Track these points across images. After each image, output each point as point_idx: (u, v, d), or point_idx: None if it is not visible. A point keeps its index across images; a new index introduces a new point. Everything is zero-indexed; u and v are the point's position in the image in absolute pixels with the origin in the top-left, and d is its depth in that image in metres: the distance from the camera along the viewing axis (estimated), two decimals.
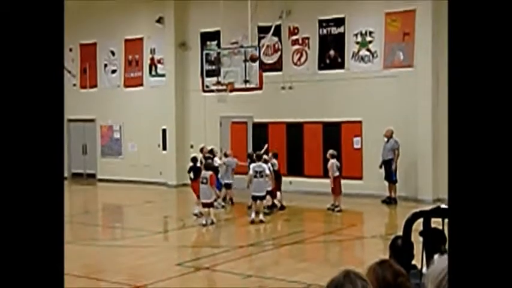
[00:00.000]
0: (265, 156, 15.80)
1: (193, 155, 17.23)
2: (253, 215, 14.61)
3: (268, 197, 15.59)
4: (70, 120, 24.38)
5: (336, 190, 15.97)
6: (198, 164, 16.01)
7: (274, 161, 16.10)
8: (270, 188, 15.38)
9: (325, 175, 17.14)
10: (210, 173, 14.54)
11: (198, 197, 14.92)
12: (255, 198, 14.74)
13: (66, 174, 24.45)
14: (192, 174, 15.69)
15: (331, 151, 16.25)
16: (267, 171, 14.94)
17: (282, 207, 16.11)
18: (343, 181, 16.27)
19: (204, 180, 14.41)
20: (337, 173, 15.94)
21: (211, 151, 17.25)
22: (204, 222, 14.28)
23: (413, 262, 4.65)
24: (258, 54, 16.23)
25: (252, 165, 15.03)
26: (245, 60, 16.64)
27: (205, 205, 14.43)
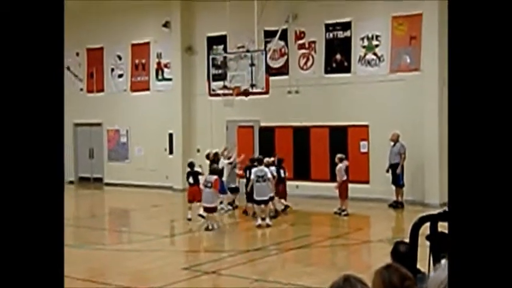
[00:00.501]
0: (268, 159, 15.74)
1: (190, 160, 17.18)
2: (259, 220, 14.59)
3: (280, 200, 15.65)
4: (77, 125, 24.47)
5: (343, 194, 15.93)
6: (196, 169, 15.88)
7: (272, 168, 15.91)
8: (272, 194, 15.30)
9: (332, 179, 17.11)
10: (215, 177, 14.51)
11: (197, 201, 14.90)
12: (257, 202, 14.72)
13: (73, 178, 24.53)
14: (191, 179, 15.60)
15: (339, 155, 16.22)
16: (269, 175, 14.90)
17: (285, 208, 16.08)
18: (349, 185, 16.23)
19: (209, 185, 14.32)
20: (345, 177, 15.91)
21: (215, 155, 17.21)
22: (210, 227, 14.25)
23: (417, 266, 4.63)
24: (249, 91, 16.29)
25: (254, 169, 15.00)
26: (251, 65, 16.67)
27: (207, 209, 14.31)
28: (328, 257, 12.40)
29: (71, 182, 24.53)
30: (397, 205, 16.90)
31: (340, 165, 15.92)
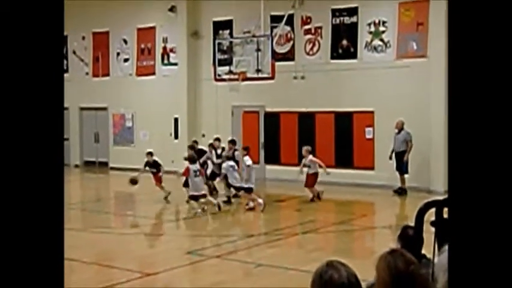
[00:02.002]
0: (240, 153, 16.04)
1: (149, 150, 17.60)
2: (251, 203, 14.93)
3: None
4: (82, 109, 24.53)
5: (314, 183, 16.02)
6: (154, 158, 16.83)
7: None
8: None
9: (337, 165, 17.19)
10: (198, 166, 14.88)
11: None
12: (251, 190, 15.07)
13: (78, 162, 24.64)
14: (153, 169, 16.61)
15: (308, 147, 16.23)
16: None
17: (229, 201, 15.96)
18: (354, 171, 16.28)
19: (197, 173, 14.59)
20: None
21: (195, 142, 17.73)
22: (210, 208, 14.48)
23: (423, 252, 4.64)
24: (137, 180, 16.46)
25: (246, 157, 15.34)
26: (257, 50, 16.64)
27: (195, 197, 14.49)
28: (332, 242, 12.43)
29: (77, 166, 24.64)
30: (401, 192, 16.90)
31: (310, 156, 15.95)
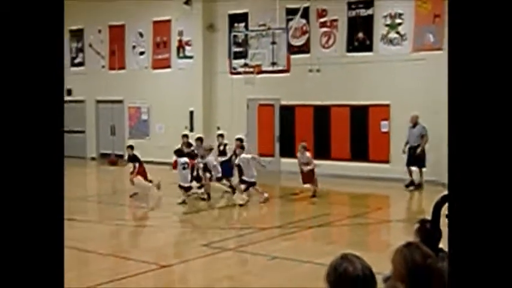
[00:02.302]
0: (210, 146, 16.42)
1: (130, 143, 17.83)
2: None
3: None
4: (98, 101, 24.67)
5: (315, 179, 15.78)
6: (135, 153, 16.79)
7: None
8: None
9: (353, 158, 17.08)
10: (186, 159, 15.25)
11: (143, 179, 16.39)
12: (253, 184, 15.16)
13: (94, 155, 24.80)
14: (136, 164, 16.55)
15: (304, 144, 15.97)
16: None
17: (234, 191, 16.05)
18: (370, 164, 16.21)
19: (186, 166, 15.08)
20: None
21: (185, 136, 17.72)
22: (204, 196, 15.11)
23: (440, 245, 4.62)
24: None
25: (243, 154, 15.43)
26: (273, 43, 16.61)
27: (184, 188, 15.00)
28: (347, 235, 12.41)
29: (93, 159, 24.80)
30: (418, 185, 16.83)
31: (307, 153, 15.73)
